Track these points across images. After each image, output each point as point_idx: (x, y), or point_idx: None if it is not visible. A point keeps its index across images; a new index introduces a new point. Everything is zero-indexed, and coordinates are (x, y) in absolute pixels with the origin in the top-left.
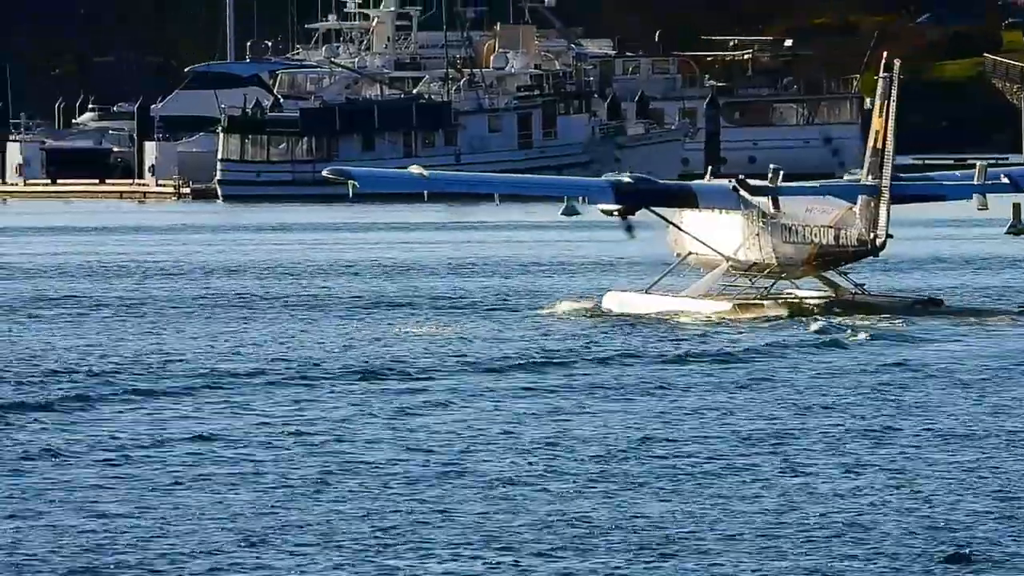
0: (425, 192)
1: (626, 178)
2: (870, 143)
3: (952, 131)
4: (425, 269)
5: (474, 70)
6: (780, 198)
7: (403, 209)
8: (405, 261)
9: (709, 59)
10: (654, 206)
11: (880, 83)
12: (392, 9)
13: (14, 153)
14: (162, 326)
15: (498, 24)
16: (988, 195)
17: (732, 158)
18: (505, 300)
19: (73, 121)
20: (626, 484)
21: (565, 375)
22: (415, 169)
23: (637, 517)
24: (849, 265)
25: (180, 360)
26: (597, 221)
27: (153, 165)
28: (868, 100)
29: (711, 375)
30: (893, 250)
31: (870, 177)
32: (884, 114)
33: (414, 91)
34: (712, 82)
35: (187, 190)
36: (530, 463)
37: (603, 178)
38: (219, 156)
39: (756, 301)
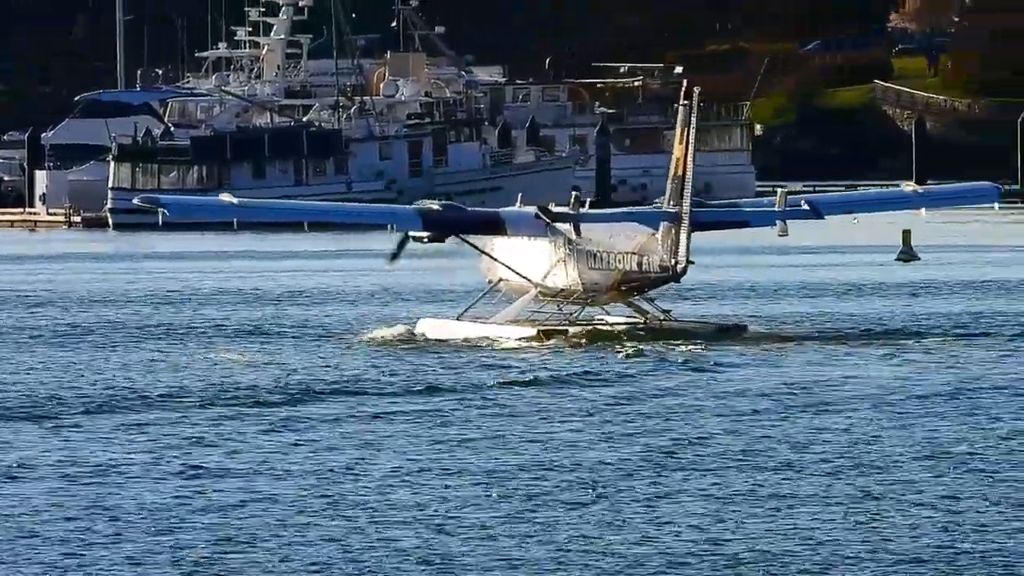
0: (234, 220)
1: (434, 205)
2: (671, 170)
3: (845, 157)
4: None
5: (364, 98)
6: (582, 225)
7: (297, 238)
8: (263, 289)
9: (599, 86)
10: (462, 233)
11: (680, 111)
12: (282, 37)
13: None
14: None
15: (388, 52)
16: (789, 221)
17: (623, 185)
18: (323, 327)
19: None
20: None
21: (373, 403)
22: (225, 197)
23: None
24: (656, 291)
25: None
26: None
27: (44, 194)
28: (759, 127)
29: (517, 401)
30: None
31: (671, 204)
32: (684, 142)
33: (304, 119)
34: (602, 109)
35: (78, 219)
36: (334, 494)
37: (411, 206)
38: (110, 184)
39: (561, 327)
